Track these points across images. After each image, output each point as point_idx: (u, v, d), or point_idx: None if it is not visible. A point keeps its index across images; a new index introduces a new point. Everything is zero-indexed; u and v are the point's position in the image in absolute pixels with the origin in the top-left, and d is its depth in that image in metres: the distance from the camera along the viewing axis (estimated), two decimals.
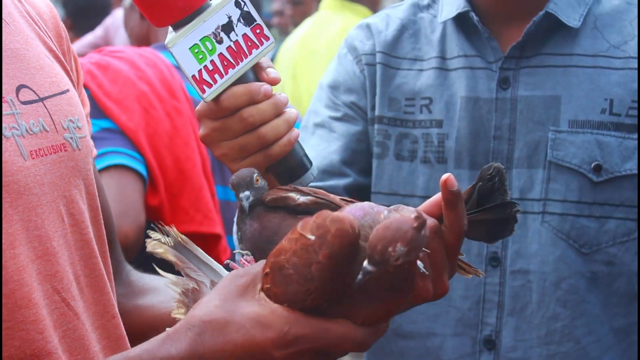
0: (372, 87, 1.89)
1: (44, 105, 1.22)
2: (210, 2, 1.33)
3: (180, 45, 1.31)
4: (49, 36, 1.31)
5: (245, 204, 1.21)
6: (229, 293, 1.10)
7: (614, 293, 1.77)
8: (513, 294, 1.77)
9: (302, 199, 1.23)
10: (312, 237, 1.09)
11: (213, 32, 1.32)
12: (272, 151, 1.35)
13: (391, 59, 1.89)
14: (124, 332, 1.30)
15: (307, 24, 4.67)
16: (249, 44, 1.34)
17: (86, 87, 2.48)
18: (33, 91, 1.21)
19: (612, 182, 1.74)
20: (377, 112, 1.87)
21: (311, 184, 1.42)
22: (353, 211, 1.12)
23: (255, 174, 1.24)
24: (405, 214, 1.11)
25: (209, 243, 2.52)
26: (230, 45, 1.32)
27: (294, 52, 4.37)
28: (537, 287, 1.76)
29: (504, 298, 1.78)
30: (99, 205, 1.31)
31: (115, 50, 2.66)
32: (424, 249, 1.11)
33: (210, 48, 1.32)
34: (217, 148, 1.37)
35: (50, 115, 1.22)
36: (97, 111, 2.47)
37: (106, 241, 1.32)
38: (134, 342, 1.31)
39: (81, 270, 1.23)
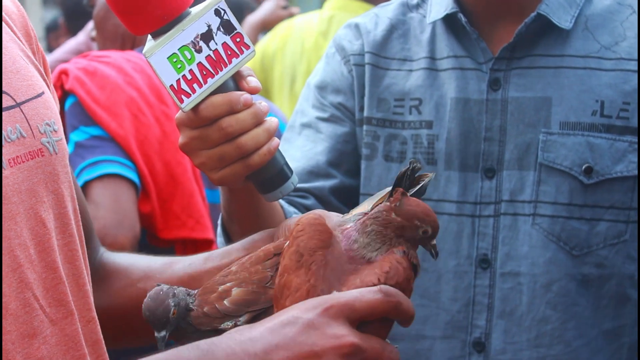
0: (361, 88, 1.87)
1: (21, 111, 1.20)
2: (190, 10, 1.32)
3: (158, 55, 1.29)
4: (18, 37, 1.30)
5: (161, 345, 1.23)
6: None
7: (604, 295, 1.76)
8: (503, 297, 1.76)
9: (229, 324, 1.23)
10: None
11: (192, 41, 1.30)
12: (252, 161, 1.35)
13: (380, 60, 1.88)
14: (101, 336, 1.29)
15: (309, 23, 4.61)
16: (229, 53, 1.32)
17: (74, 94, 2.47)
18: (10, 96, 1.20)
19: (603, 185, 1.73)
20: (365, 113, 1.86)
21: (298, 185, 1.42)
22: None
23: (171, 310, 1.24)
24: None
25: (201, 248, 2.52)
26: (209, 54, 1.31)
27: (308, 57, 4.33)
28: (527, 289, 1.75)
29: (493, 300, 1.77)
30: (78, 207, 1.30)
31: (101, 55, 2.65)
32: None
33: (189, 57, 1.30)
34: (196, 157, 1.37)
35: (27, 120, 1.20)
36: (86, 118, 2.47)
37: (84, 243, 1.31)
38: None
39: (65, 274, 1.22)
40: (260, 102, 1.36)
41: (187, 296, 1.26)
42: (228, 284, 1.25)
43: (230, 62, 1.32)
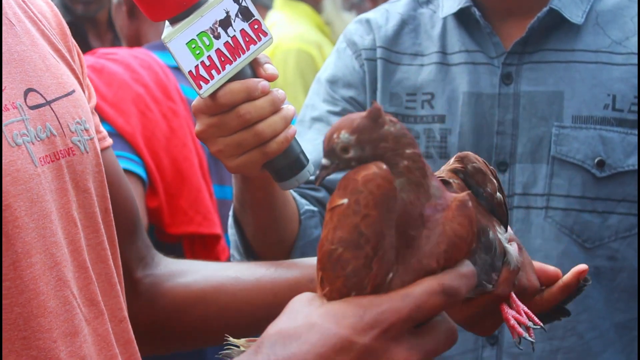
0: (372, 83, 1.88)
1: (51, 109, 1.20)
2: None
3: (177, 40, 1.29)
4: (53, 34, 1.30)
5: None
6: (294, 308, 1.00)
7: (616, 288, 1.77)
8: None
9: None
10: (345, 200, 0.97)
11: (210, 28, 1.30)
12: (269, 148, 1.35)
13: (392, 54, 1.88)
14: (132, 336, 1.28)
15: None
16: (247, 40, 1.32)
17: None
18: (40, 94, 1.19)
19: (615, 178, 1.74)
20: None
21: (310, 177, 1.42)
22: None
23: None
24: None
25: (209, 243, 2.52)
26: (227, 41, 1.31)
27: None
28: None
29: None
30: (110, 206, 1.29)
31: (108, 52, 2.65)
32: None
33: (208, 43, 1.30)
34: (213, 144, 1.37)
35: (57, 118, 1.20)
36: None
37: (117, 242, 1.30)
38: (174, 327, 1.31)
39: (94, 275, 1.21)
40: (277, 90, 1.36)
41: None
42: None
43: (248, 49, 1.32)
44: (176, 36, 1.29)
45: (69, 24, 1.39)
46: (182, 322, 1.43)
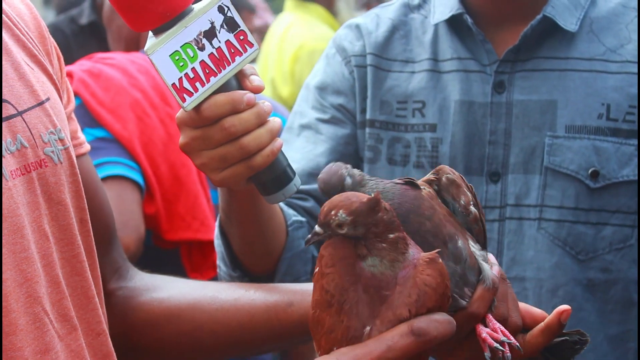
0: (362, 90, 1.84)
1: (23, 120, 1.17)
2: (193, 7, 1.28)
3: (160, 52, 1.26)
4: (30, 38, 1.26)
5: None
6: None
7: (610, 300, 1.74)
8: None
9: None
10: (317, 269, 1.12)
11: (195, 39, 1.27)
12: (254, 162, 1.32)
13: (382, 61, 1.85)
14: (112, 349, 1.26)
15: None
16: (232, 51, 1.29)
17: (79, 96, 2.47)
18: (12, 105, 1.16)
19: (609, 189, 1.72)
20: (368, 116, 1.83)
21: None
22: None
23: (345, 179, 1.20)
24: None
25: (206, 249, 2.51)
26: (212, 52, 1.28)
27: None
28: (533, 294, 1.73)
29: None
30: (88, 217, 1.27)
31: (106, 57, 2.64)
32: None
33: (192, 55, 1.27)
34: (197, 157, 1.34)
35: (29, 129, 1.17)
36: (91, 120, 2.46)
37: (95, 253, 1.28)
38: (145, 341, 1.30)
39: (67, 289, 1.19)
40: (264, 102, 1.33)
41: (362, 172, 1.23)
42: None
43: (233, 61, 1.29)
44: (159, 48, 1.26)
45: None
46: (153, 338, 1.41)
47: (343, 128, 1.84)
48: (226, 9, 1.29)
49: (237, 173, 1.33)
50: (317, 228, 1.10)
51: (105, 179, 2.36)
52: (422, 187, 1.20)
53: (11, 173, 1.13)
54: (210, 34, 1.28)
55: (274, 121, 1.33)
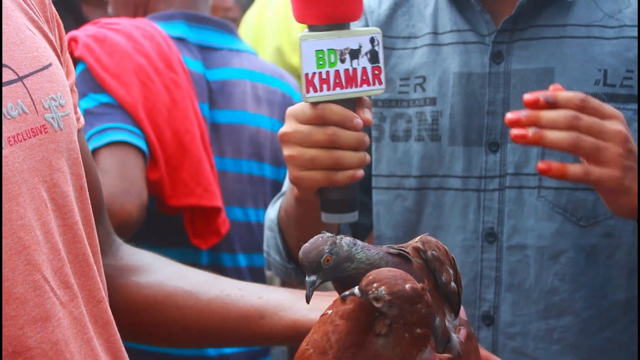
0: None
1: (24, 85, 1.17)
2: (351, 25, 1.47)
3: (310, 43, 1.44)
4: (31, 4, 1.26)
5: (309, 290, 1.16)
6: None
7: (614, 266, 1.74)
8: (510, 270, 1.76)
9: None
10: (330, 311, 1.13)
11: (341, 50, 1.45)
12: (336, 176, 1.46)
13: (385, 39, 1.85)
14: (112, 317, 1.27)
15: None
16: (364, 78, 1.46)
17: (83, 61, 2.46)
18: (12, 70, 1.16)
19: None
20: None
21: None
22: None
23: (324, 256, 1.17)
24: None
25: (209, 216, 2.51)
26: (348, 69, 1.45)
27: (252, 22, 4.35)
28: (534, 262, 1.74)
29: (501, 274, 1.76)
30: (86, 184, 1.27)
31: (111, 22, 2.62)
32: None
33: (332, 61, 1.44)
34: (289, 148, 1.48)
35: (30, 95, 1.17)
36: (95, 85, 2.45)
37: (93, 221, 1.28)
38: (122, 322, 1.31)
39: (67, 256, 1.19)
40: (366, 134, 1.49)
41: (353, 246, 1.18)
42: None
43: (361, 86, 1.46)
44: (310, 40, 1.44)
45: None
46: (130, 322, 1.45)
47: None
48: (376, 42, 1.47)
49: (315, 179, 1.48)
50: (356, 291, 1.10)
51: (108, 144, 2.36)
52: (413, 258, 1.23)
53: (9, 139, 1.13)
54: (354, 54, 1.46)
55: (366, 154, 1.49)
